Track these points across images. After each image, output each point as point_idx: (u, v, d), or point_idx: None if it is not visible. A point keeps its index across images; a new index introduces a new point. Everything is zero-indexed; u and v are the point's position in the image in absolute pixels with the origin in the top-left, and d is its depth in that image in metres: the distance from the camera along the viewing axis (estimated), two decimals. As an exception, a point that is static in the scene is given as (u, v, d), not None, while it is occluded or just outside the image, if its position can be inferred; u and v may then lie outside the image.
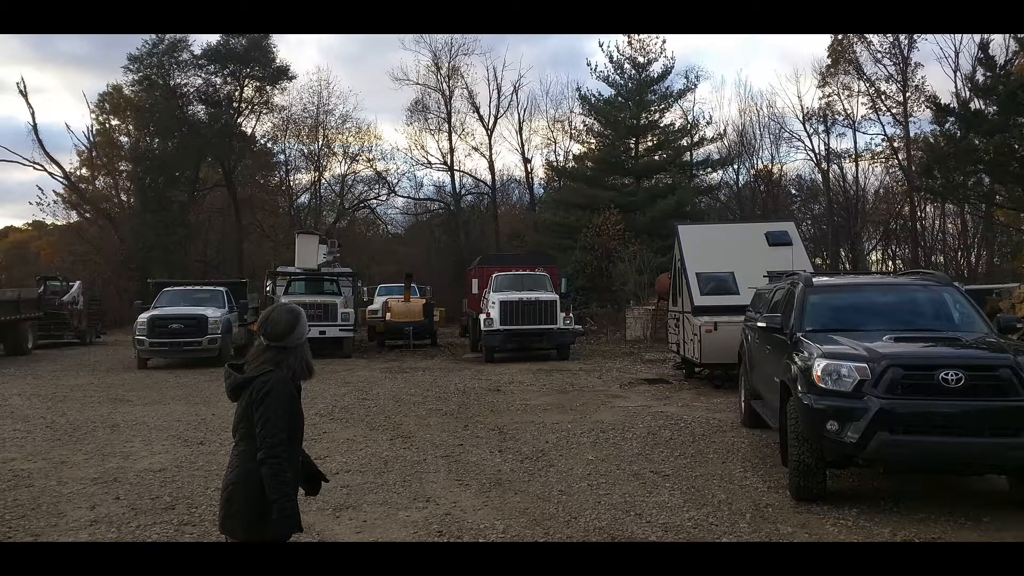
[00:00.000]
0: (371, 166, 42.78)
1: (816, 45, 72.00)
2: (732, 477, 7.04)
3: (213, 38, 37.49)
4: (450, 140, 41.87)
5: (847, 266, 35.53)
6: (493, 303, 17.74)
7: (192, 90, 37.80)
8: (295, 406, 3.31)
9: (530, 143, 44.10)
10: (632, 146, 35.10)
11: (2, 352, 20.14)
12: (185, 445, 8.67)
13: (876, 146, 36.70)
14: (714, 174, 37.82)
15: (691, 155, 36.17)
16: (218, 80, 38.01)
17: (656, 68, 34.75)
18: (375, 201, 44.08)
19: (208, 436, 9.15)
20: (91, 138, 41.18)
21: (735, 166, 38.53)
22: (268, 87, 39.09)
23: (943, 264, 33.98)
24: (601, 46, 66.73)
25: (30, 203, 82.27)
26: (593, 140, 37.73)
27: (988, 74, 23.72)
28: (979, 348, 6.34)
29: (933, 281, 7.82)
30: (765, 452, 7.98)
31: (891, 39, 33.99)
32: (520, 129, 42.33)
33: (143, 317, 17.17)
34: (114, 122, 41.86)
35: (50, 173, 38.36)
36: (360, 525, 5.79)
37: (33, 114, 52.34)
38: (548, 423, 9.86)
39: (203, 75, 37.69)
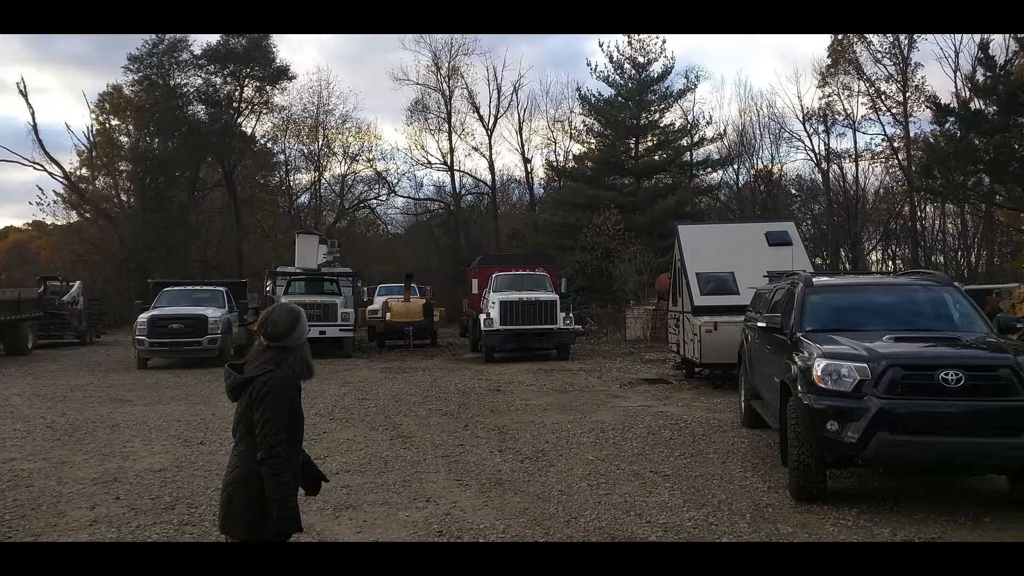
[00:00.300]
0: (371, 166, 42.89)
1: (816, 45, 72.21)
2: (732, 477, 7.04)
3: (213, 38, 37.60)
4: (450, 140, 41.96)
5: (847, 266, 35.54)
6: (493, 303, 17.74)
7: (192, 90, 37.87)
8: (295, 406, 3.32)
9: (530, 143, 44.25)
10: (632, 146, 35.12)
11: (2, 352, 20.15)
12: (185, 445, 8.67)
13: (876, 146, 36.84)
14: (714, 174, 37.99)
15: (691, 155, 36.22)
16: (218, 80, 38.09)
17: (656, 68, 34.85)
18: (375, 201, 44.21)
19: (208, 436, 9.15)
20: (91, 138, 41.20)
21: (735, 166, 38.65)
22: (268, 87, 39.14)
23: (943, 264, 34.00)
24: (601, 46, 66.74)
25: (30, 203, 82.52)
26: (593, 140, 37.76)
27: (988, 74, 23.75)
28: (979, 348, 6.33)
29: (933, 281, 7.81)
30: (765, 452, 7.98)
31: (891, 39, 34.05)
32: (520, 129, 42.43)
33: (143, 317, 17.17)
34: (114, 122, 41.86)
35: (50, 173, 38.44)
36: (360, 525, 5.79)
37: (33, 114, 52.67)
38: (548, 423, 9.86)
39: (203, 75, 37.77)
